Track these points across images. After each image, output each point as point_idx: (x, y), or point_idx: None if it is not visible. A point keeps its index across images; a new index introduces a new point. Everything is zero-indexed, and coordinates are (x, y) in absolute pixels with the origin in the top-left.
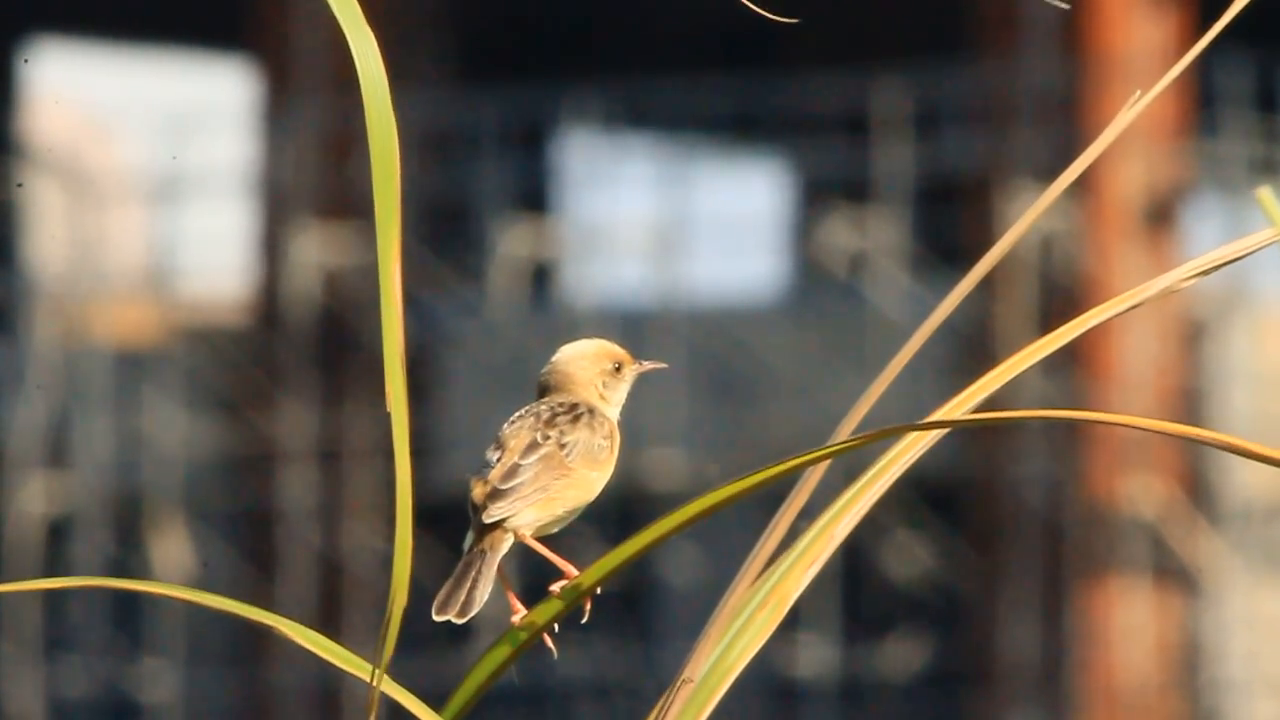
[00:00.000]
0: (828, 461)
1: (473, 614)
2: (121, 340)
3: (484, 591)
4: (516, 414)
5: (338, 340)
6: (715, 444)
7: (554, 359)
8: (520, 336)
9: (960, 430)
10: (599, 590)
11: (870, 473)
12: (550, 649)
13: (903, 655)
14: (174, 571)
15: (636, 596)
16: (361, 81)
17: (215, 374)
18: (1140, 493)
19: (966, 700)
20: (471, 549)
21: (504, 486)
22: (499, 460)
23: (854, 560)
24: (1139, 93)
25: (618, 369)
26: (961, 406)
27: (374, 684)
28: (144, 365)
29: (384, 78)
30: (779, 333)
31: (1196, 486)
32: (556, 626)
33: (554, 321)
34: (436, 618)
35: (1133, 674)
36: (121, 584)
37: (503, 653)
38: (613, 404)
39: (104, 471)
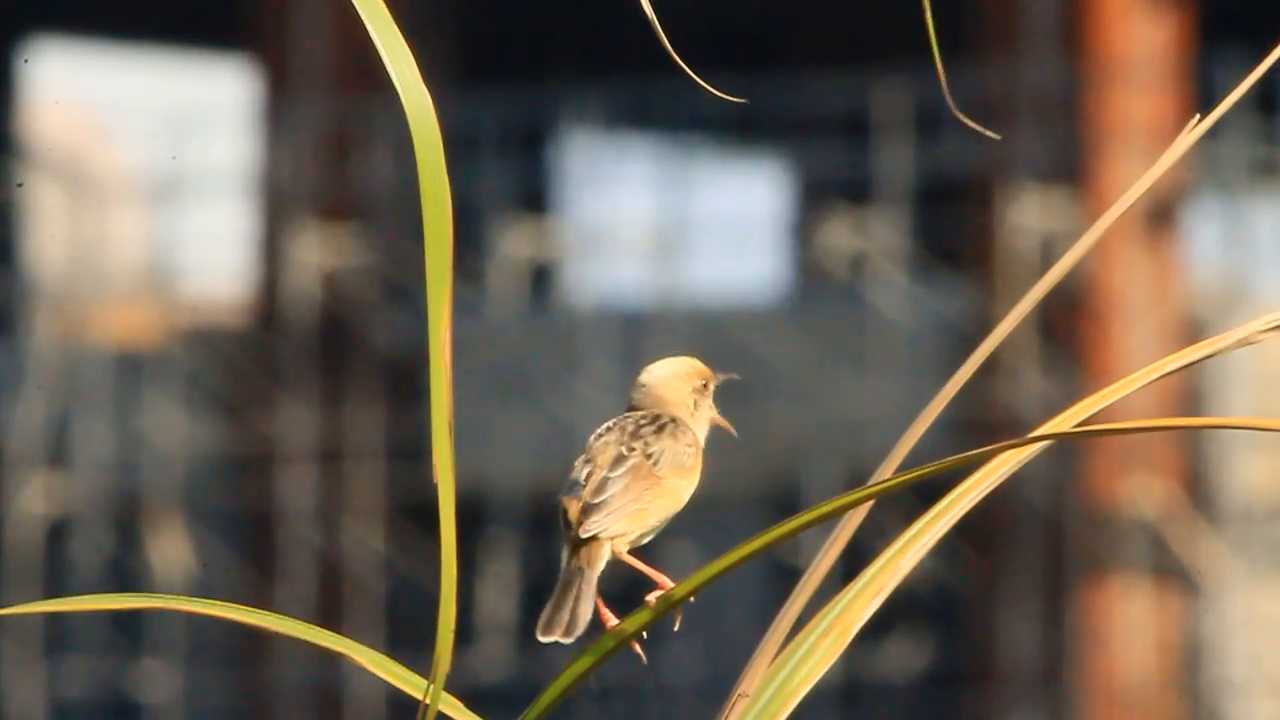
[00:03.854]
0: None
1: (578, 633)
2: (121, 341)
3: (588, 610)
4: (602, 428)
5: (338, 341)
6: (715, 444)
7: (645, 379)
8: (520, 337)
9: (961, 432)
10: (692, 599)
11: (939, 506)
12: (640, 655)
13: (903, 656)
14: (173, 572)
15: (635, 596)
16: (403, 97)
17: (215, 375)
18: (1141, 493)
19: (966, 700)
20: (568, 566)
21: (596, 501)
22: (588, 475)
23: (853, 561)
24: (1198, 117)
25: (704, 386)
26: (1071, 420)
27: (429, 700)
28: (144, 366)
29: (423, 89)
30: (779, 333)
31: (1197, 487)
32: (645, 634)
33: (554, 322)
34: (542, 639)
35: (1133, 674)
36: (123, 602)
37: (587, 662)
38: (700, 422)
39: (104, 471)
